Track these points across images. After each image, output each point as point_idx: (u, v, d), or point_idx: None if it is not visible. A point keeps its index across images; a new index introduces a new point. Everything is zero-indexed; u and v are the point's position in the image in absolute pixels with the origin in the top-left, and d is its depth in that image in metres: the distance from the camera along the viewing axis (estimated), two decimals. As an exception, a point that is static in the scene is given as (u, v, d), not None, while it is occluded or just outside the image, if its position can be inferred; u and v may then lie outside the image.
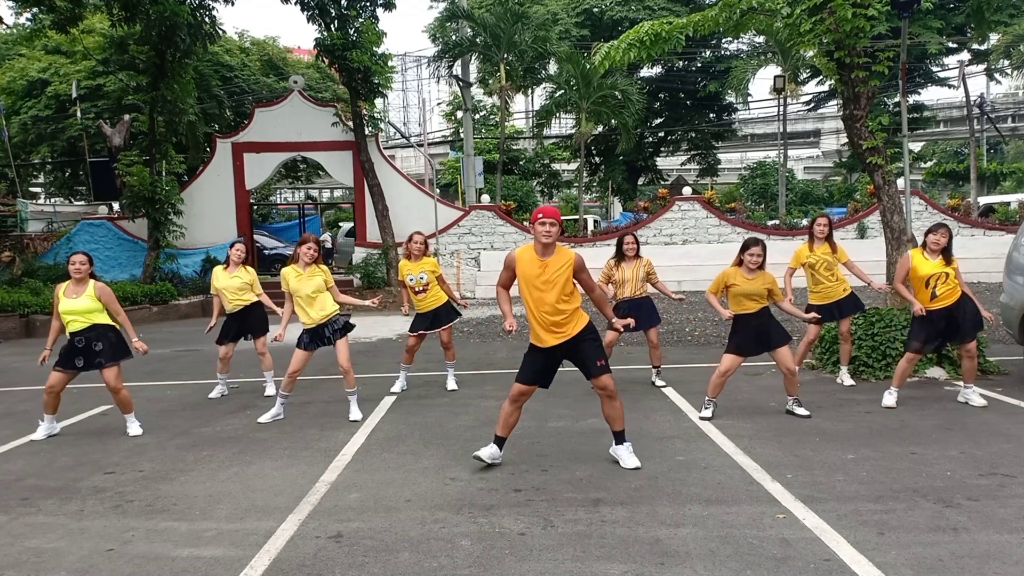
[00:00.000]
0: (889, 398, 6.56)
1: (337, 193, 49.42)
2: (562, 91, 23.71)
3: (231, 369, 8.11)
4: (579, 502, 4.45)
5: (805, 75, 29.40)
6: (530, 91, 34.17)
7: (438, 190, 26.89)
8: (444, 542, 3.94)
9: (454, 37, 24.15)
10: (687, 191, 20.58)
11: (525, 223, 19.54)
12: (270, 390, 7.78)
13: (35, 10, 17.24)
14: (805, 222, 20.19)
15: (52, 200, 34.87)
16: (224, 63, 25.35)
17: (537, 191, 34.84)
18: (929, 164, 42.60)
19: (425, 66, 41.00)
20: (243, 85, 25.99)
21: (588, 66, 19.87)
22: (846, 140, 9.92)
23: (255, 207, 24.53)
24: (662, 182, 34.25)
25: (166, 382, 8.98)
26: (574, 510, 4.33)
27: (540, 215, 4.83)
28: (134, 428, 6.45)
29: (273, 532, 4.14)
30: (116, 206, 21.49)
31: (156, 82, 17.55)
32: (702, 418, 6.29)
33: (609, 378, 4.98)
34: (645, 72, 32.35)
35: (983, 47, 28.98)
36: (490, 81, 25.10)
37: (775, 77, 23.78)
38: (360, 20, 17.72)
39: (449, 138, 40.17)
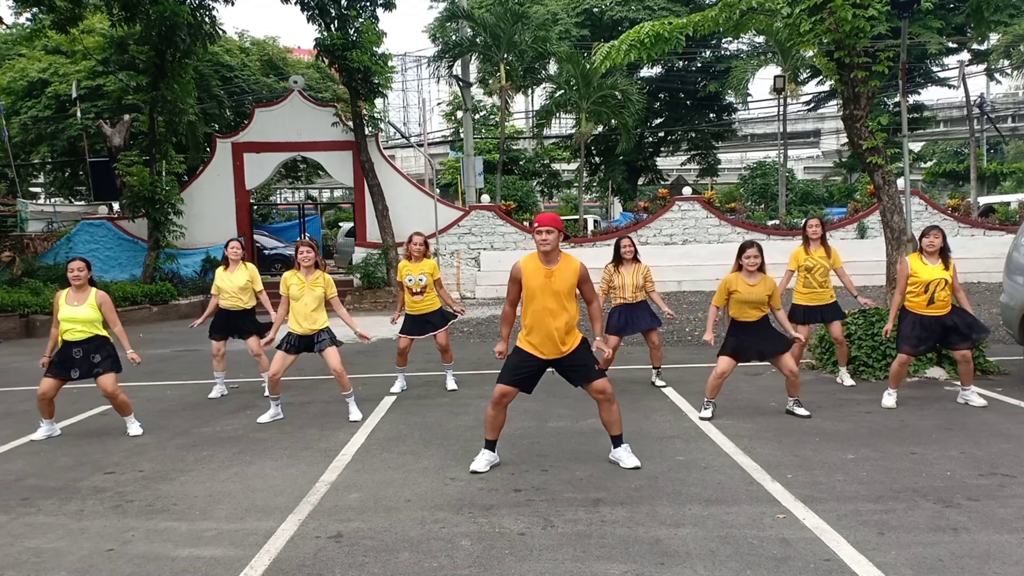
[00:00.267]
0: (888, 399, 6.56)
1: (337, 193, 49.42)
2: (562, 91, 23.71)
3: (230, 369, 8.10)
4: (579, 502, 4.45)
5: (805, 75, 29.40)
6: (530, 91, 34.18)
7: (438, 190, 26.89)
8: (444, 542, 3.94)
9: (454, 37, 24.14)
10: (687, 191, 20.57)
11: (525, 223, 19.54)
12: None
13: (35, 10, 17.24)
14: (803, 223, 20.15)
15: (52, 200, 34.85)
16: (224, 63, 25.34)
17: (537, 191, 34.85)
18: (929, 164, 42.59)
19: (425, 66, 41.06)
20: (243, 85, 25.99)
21: (588, 66, 19.86)
22: (846, 140, 9.92)
23: (255, 207, 24.52)
24: (662, 182, 34.24)
25: (166, 382, 8.98)
26: (574, 510, 4.33)
27: (537, 224, 4.84)
28: (134, 428, 6.45)
29: (273, 532, 4.15)
30: (116, 206, 21.48)
31: (156, 82, 17.54)
32: (702, 418, 6.29)
33: (606, 382, 4.99)
34: (645, 72, 32.36)
35: (983, 47, 28.97)
36: (490, 81, 25.09)
37: (775, 77, 23.77)
38: (360, 20, 17.71)
39: (449, 138, 40.16)
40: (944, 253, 6.40)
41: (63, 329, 6.22)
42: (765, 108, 43.82)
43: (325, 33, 17.36)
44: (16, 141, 23.38)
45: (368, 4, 17.86)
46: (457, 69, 23.15)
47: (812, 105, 36.04)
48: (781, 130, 27.15)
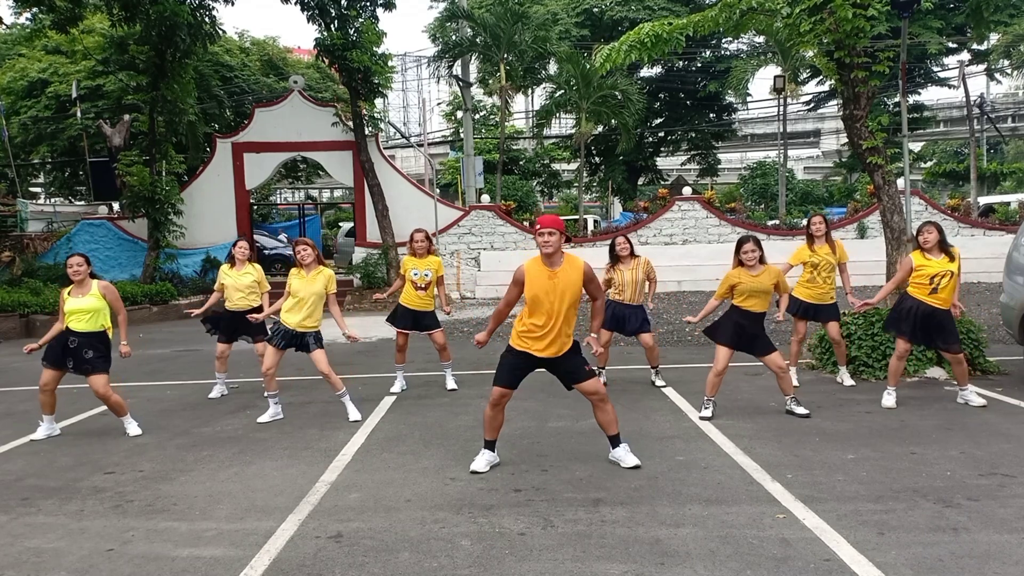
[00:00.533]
0: (888, 398, 6.56)
1: (337, 193, 49.42)
2: (562, 91, 23.70)
3: (230, 369, 8.10)
4: (579, 502, 4.45)
5: (805, 75, 29.40)
6: (530, 91, 34.18)
7: (438, 190, 26.88)
8: (444, 542, 3.94)
9: (454, 37, 24.14)
10: (687, 191, 20.57)
11: (525, 223, 19.54)
12: (270, 390, 7.78)
13: (35, 10, 17.23)
14: (805, 222, 20.16)
15: (52, 200, 34.86)
16: (224, 63, 25.34)
17: (537, 191, 34.85)
18: (929, 164, 42.59)
19: (425, 66, 41.04)
20: (243, 85, 25.99)
21: (588, 66, 19.86)
22: (846, 140, 9.92)
23: (255, 207, 24.51)
24: (662, 182, 34.23)
25: (166, 382, 8.98)
26: (574, 510, 4.33)
27: (539, 226, 4.84)
28: (133, 428, 6.45)
29: (273, 532, 4.15)
30: (116, 206, 21.48)
31: (156, 82, 17.54)
32: (702, 418, 6.29)
33: (598, 382, 5.00)
34: (645, 72, 32.35)
35: (983, 47, 28.97)
36: (490, 81, 25.09)
37: (775, 77, 23.76)
38: (360, 20, 17.70)
39: (449, 138, 40.15)
40: (944, 246, 6.40)
41: (69, 320, 6.26)
42: (765, 108, 43.81)
43: (325, 33, 17.36)
44: (16, 141, 23.38)
45: (368, 4, 17.86)
46: (457, 69, 23.15)
47: (812, 105, 36.03)
48: (781, 130, 27.15)
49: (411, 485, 4.87)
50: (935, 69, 31.77)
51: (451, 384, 7.92)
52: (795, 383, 7.05)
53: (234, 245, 7.95)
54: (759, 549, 3.75)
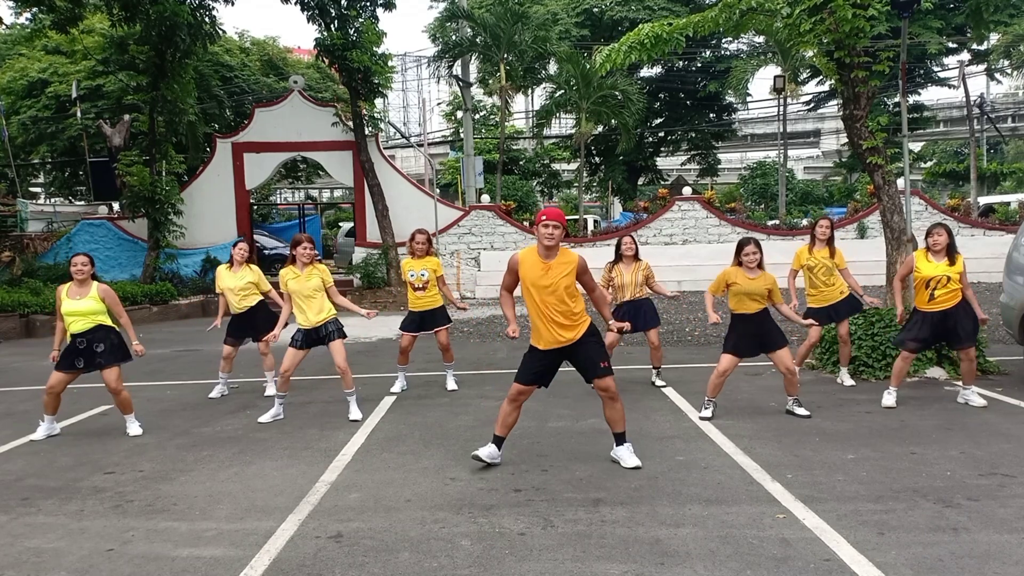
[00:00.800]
0: (888, 398, 6.56)
1: (337, 193, 49.41)
2: (562, 91, 23.71)
3: (231, 369, 8.10)
4: (579, 502, 4.45)
5: (805, 75, 29.40)
6: (530, 91, 34.18)
7: (438, 190, 26.89)
8: (444, 542, 3.94)
9: (454, 37, 24.15)
10: (687, 191, 20.58)
11: (525, 223, 19.54)
12: (270, 390, 7.77)
13: (35, 10, 17.24)
14: (805, 222, 20.18)
15: (52, 200, 34.85)
16: (224, 63, 25.34)
17: (537, 191, 34.84)
18: (929, 164, 42.59)
19: (425, 66, 41.02)
20: (243, 85, 25.98)
21: (588, 66, 19.87)
22: (846, 140, 9.92)
23: (255, 207, 24.51)
24: (662, 182, 34.25)
25: (166, 382, 8.98)
26: (574, 510, 4.33)
27: (544, 217, 4.84)
28: (134, 428, 6.45)
29: (273, 532, 4.15)
30: (116, 206, 21.49)
31: (156, 82, 17.54)
32: (702, 418, 6.29)
33: (611, 380, 4.99)
34: (645, 72, 32.36)
35: (983, 47, 28.96)
36: (490, 81, 25.09)
37: (775, 77, 23.78)
38: (360, 20, 17.72)
39: (449, 138, 40.16)
40: (951, 250, 6.38)
41: (68, 322, 6.25)
42: (765, 108, 43.82)
43: (325, 33, 17.37)
44: (16, 141, 23.38)
45: (368, 4, 17.87)
46: (457, 69, 23.16)
47: (812, 105, 36.04)
48: (781, 130, 27.16)
49: (411, 485, 4.87)
50: (935, 69, 31.78)
51: (451, 385, 7.92)
52: None
53: (234, 245, 7.97)
54: (759, 549, 3.75)
